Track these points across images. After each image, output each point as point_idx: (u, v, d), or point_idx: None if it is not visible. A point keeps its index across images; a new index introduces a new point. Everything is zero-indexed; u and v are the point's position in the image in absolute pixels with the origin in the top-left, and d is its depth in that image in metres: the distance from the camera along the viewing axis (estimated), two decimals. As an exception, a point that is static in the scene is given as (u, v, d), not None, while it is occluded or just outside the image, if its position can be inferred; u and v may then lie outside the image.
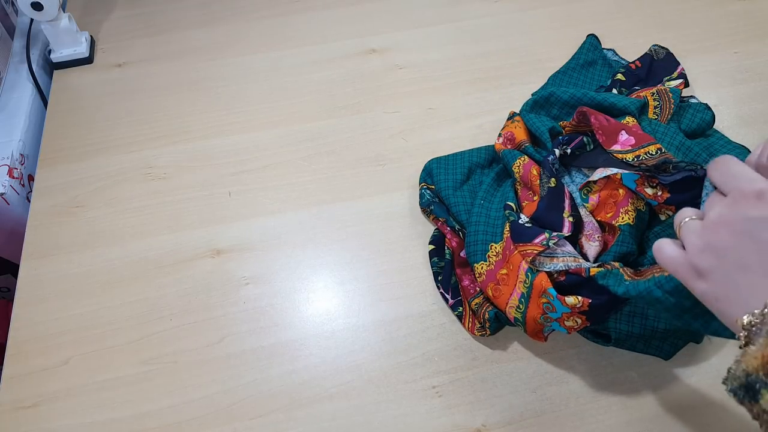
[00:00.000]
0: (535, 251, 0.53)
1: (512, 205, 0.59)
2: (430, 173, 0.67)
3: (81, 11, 0.91)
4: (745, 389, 0.30)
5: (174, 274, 0.62)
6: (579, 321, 0.51)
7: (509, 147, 0.65)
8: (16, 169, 0.71)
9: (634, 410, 0.53)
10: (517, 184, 0.62)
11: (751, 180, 0.34)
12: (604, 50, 0.80)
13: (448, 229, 0.63)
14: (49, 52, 0.83)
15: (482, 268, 0.56)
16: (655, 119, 0.65)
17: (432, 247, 0.63)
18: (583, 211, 0.58)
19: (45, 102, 0.81)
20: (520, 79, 0.78)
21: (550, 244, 0.53)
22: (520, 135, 0.65)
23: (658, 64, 0.76)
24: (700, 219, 0.37)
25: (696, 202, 0.53)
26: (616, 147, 0.59)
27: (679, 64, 0.76)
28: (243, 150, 0.73)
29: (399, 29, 0.85)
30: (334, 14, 0.88)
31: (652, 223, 0.58)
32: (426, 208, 0.65)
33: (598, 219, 0.57)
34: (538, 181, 0.59)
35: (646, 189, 0.55)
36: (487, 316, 0.55)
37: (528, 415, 0.53)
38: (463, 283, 0.59)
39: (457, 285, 0.60)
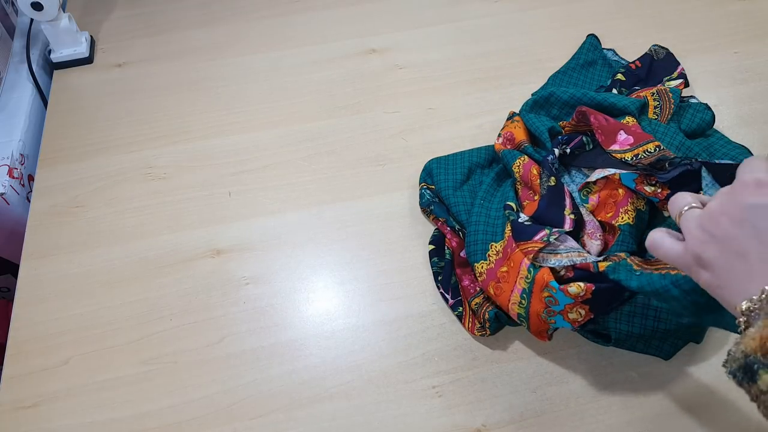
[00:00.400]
0: (536, 248, 0.53)
1: (512, 205, 0.59)
2: (430, 173, 0.67)
3: (81, 11, 0.91)
4: (744, 370, 0.30)
5: (174, 274, 0.62)
6: (582, 312, 0.50)
7: (509, 147, 0.65)
8: (16, 169, 0.71)
9: (634, 410, 0.53)
10: (517, 183, 0.62)
11: (752, 170, 0.35)
12: (604, 50, 0.80)
13: (448, 229, 0.63)
14: (49, 52, 0.83)
15: (483, 267, 0.56)
16: (655, 119, 0.65)
17: (432, 247, 0.63)
18: (583, 211, 0.58)
19: (45, 102, 0.81)
20: (520, 79, 0.78)
21: (551, 239, 0.53)
22: (520, 135, 0.65)
23: (658, 64, 0.76)
24: (699, 206, 0.37)
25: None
26: (615, 147, 0.59)
27: (679, 64, 0.76)
28: (243, 150, 0.73)
29: (399, 29, 0.85)
30: (334, 14, 0.88)
31: (652, 222, 0.58)
32: (426, 208, 0.65)
33: (599, 219, 0.57)
34: (539, 180, 0.59)
35: (645, 187, 0.55)
36: (487, 316, 0.55)
37: (528, 415, 0.53)
38: (463, 283, 0.59)
39: (457, 285, 0.60)
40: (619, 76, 0.72)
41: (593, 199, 0.58)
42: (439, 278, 0.60)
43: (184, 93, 0.79)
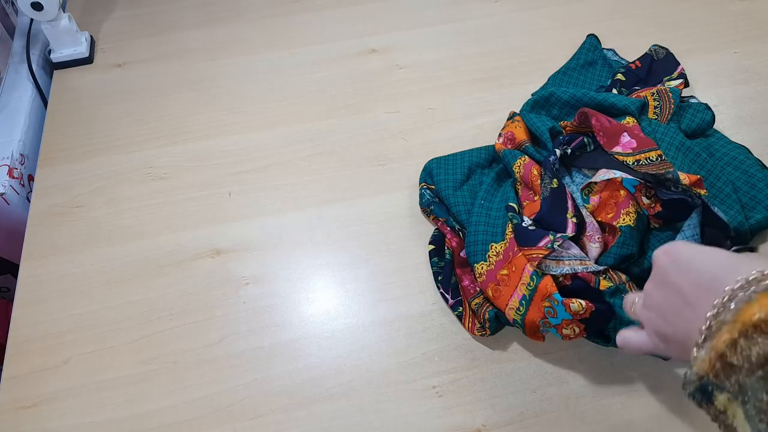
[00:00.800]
0: (541, 255, 0.53)
1: (514, 206, 0.59)
2: (430, 173, 0.67)
3: (81, 11, 0.91)
4: (701, 392, 0.31)
5: (174, 274, 0.62)
6: (577, 330, 0.51)
7: (509, 147, 0.65)
8: (16, 169, 0.71)
9: (634, 410, 0.53)
10: (518, 184, 0.62)
11: (665, 248, 0.39)
12: (604, 50, 0.80)
13: (448, 229, 0.63)
14: (49, 52, 0.83)
15: (482, 268, 0.56)
16: (655, 119, 0.65)
17: (432, 247, 0.63)
18: (584, 212, 0.58)
19: (45, 102, 0.81)
20: (520, 79, 0.78)
21: (555, 246, 0.53)
22: (521, 135, 0.65)
23: (658, 64, 0.76)
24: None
25: (679, 226, 0.54)
26: (618, 149, 0.59)
27: (679, 64, 0.76)
28: (243, 150, 0.73)
29: (399, 29, 0.85)
30: (334, 14, 0.88)
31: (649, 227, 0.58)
32: (426, 208, 0.65)
33: (599, 219, 0.57)
34: (539, 181, 0.59)
35: (642, 197, 0.55)
36: (487, 316, 0.55)
37: (528, 415, 0.53)
38: (463, 283, 0.59)
39: (457, 285, 0.60)
40: (619, 76, 0.72)
41: (594, 199, 0.58)
42: (439, 278, 0.60)
43: (184, 93, 0.79)
